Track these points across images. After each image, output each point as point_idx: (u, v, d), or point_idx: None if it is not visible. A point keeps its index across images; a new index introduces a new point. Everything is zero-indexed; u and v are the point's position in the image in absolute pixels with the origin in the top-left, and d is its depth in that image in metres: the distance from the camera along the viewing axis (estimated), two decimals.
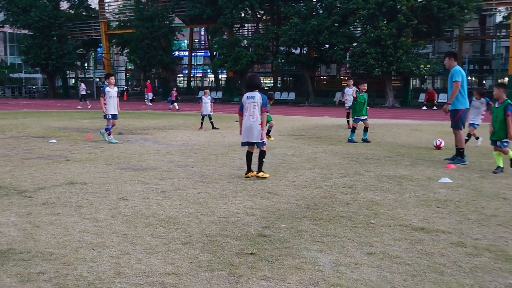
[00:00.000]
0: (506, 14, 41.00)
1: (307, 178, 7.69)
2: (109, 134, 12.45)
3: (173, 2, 44.59)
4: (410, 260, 4.13)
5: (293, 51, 38.91)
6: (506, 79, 36.42)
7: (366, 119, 12.85)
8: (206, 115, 16.54)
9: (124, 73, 59.62)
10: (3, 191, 6.63)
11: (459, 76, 9.10)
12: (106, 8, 51.30)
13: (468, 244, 4.55)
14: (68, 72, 55.40)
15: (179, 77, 65.10)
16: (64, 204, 5.96)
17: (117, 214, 5.52)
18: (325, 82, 51.65)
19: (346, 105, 17.31)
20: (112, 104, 12.48)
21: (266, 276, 3.76)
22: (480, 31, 52.12)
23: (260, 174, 7.67)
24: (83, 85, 33.82)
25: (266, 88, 55.74)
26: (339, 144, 12.39)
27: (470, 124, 11.50)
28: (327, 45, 36.18)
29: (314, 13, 36.97)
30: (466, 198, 6.36)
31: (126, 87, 56.53)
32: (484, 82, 50.87)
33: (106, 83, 12.77)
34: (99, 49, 58.24)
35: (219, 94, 45.00)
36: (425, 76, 42.08)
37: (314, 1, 38.06)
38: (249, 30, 52.83)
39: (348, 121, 17.15)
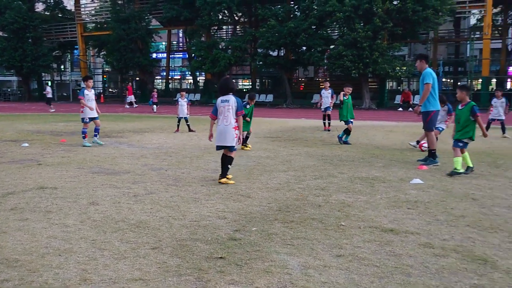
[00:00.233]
0: (479, 17, 41.79)
1: (280, 181, 7.71)
2: (84, 137, 12.31)
3: (150, 4, 44.37)
4: (378, 262, 4.16)
5: (271, 53, 39.06)
6: (480, 80, 37.13)
7: (352, 122, 12.95)
8: (182, 117, 16.46)
9: (101, 75, 58.96)
10: None
11: (430, 78, 9.23)
12: (82, 9, 50.84)
13: (436, 245, 4.60)
14: (43, 74, 54.64)
15: (157, 79, 64.76)
16: (33, 209, 5.86)
17: (86, 219, 5.45)
18: (303, 84, 51.89)
19: (322, 107, 17.43)
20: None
21: (234, 280, 3.75)
22: (455, 33, 53.08)
23: (223, 180, 7.46)
24: (48, 88, 33.57)
25: (245, 90, 55.79)
26: (315, 146, 12.46)
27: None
28: (304, 47, 36.42)
29: (291, 16, 37.18)
30: (436, 199, 6.45)
31: (102, 90, 55.94)
32: (458, 83, 51.68)
33: (83, 86, 12.59)
34: (75, 51, 57.56)
35: (197, 96, 44.86)
36: (402, 78, 42.63)
37: (292, 4, 38.27)
38: (227, 32, 52.81)
39: (324, 123, 17.26)
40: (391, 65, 32.26)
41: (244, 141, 11.71)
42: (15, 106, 38.99)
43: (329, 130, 16.67)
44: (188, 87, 65.09)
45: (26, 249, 4.45)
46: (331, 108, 17.15)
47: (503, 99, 15.42)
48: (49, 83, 45.66)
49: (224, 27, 47.88)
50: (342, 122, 13.13)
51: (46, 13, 52.66)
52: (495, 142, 13.62)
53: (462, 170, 8.18)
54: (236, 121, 7.57)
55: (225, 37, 48.66)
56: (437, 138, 11.89)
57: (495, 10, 45.57)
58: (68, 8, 53.80)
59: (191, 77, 63.30)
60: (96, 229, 5.08)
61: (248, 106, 11.86)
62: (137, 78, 49.96)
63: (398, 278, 3.82)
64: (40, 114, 27.31)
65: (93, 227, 5.15)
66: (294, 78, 48.08)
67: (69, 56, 62.20)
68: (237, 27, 44.57)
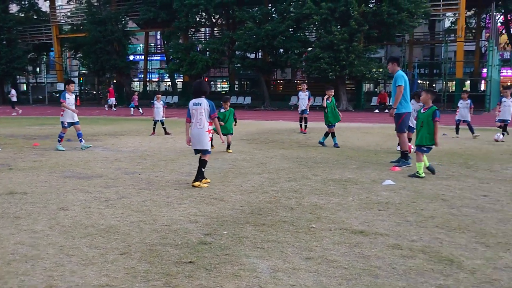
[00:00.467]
0: (453, 20, 42.48)
1: (254, 183, 7.71)
2: (59, 141, 12.16)
3: (127, 5, 43.97)
4: (347, 264, 4.20)
5: (249, 55, 39.09)
6: (454, 82, 37.73)
7: (334, 125, 13.01)
8: (158, 120, 16.36)
9: (77, 78, 58.21)
10: None
11: (402, 80, 9.34)
12: (57, 11, 50.11)
13: (404, 246, 4.66)
14: (18, 77, 53.70)
15: (134, 81, 64.21)
16: (1, 215, 5.76)
17: (55, 224, 5.37)
18: (281, 86, 52.06)
19: (299, 109, 17.50)
20: (69, 111, 12.18)
21: (203, 285, 3.74)
22: (430, 36, 53.93)
23: (197, 183, 7.42)
24: (13, 91, 33.08)
25: (223, 92, 55.70)
26: (290, 148, 12.50)
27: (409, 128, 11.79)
28: (282, 50, 36.54)
29: (269, 18, 37.26)
30: (407, 200, 6.53)
31: (79, 92, 55.23)
32: (434, 85, 52.50)
33: (65, 90, 12.38)
34: (51, 54, 56.75)
35: (175, 99, 44.62)
36: (378, 80, 43.08)
37: (269, 6, 38.37)
38: (205, 35, 52.69)
39: (301, 125, 17.32)
40: (367, 67, 32.57)
41: (228, 146, 11.77)
42: None
43: (305, 133, 16.75)
44: (166, 89, 64.75)
45: None
46: (308, 111, 17.22)
47: (468, 101, 15.82)
48: (13, 87, 44.70)
49: (201, 29, 47.79)
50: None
51: (21, 14, 51.79)
52: (467, 143, 13.87)
53: (423, 175, 8.25)
54: (210, 124, 7.56)
55: (202, 40, 48.49)
56: (410, 139, 12.04)
57: (468, 13, 46.50)
58: (43, 9, 53.02)
59: (169, 80, 63.02)
60: (64, 234, 5.02)
61: (222, 110, 11.84)
62: (114, 81, 49.42)
63: (366, 279, 3.85)
64: (15, 118, 26.85)
65: (61, 232, 5.09)
66: (272, 80, 48.19)
67: (44, 58, 61.30)
68: (215, 29, 44.50)
